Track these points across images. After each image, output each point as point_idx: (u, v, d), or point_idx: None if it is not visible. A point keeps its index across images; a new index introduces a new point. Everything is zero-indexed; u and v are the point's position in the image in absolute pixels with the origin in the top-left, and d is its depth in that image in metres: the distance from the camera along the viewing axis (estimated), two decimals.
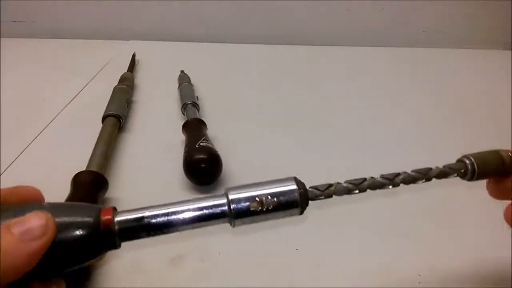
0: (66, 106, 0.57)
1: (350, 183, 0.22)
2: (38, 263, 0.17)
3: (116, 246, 0.21)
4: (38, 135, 0.51)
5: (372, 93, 0.61)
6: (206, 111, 0.56)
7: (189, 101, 0.52)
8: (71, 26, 0.82)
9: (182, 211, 0.21)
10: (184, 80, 0.60)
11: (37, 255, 0.16)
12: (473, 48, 0.77)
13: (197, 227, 0.21)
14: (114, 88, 0.55)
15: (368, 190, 0.23)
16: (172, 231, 0.21)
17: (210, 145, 0.42)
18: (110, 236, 0.20)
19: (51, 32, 0.82)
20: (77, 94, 0.60)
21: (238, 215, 0.21)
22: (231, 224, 0.21)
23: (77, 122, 0.53)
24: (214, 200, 0.21)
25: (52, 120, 0.54)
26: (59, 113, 0.55)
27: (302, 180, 0.22)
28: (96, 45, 0.79)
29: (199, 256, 0.34)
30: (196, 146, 0.41)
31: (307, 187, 0.22)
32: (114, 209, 0.21)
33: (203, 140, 0.42)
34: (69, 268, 0.20)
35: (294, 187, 0.21)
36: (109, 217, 0.20)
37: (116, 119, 0.49)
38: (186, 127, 0.47)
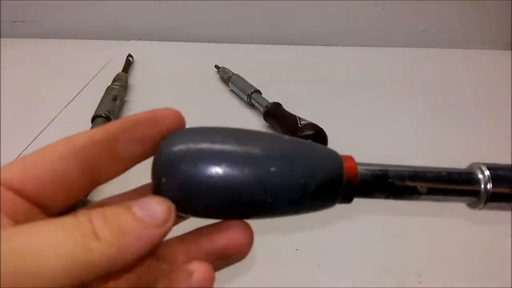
0: (66, 106, 0.57)
1: None
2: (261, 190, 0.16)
3: (351, 200, 0.18)
4: (38, 135, 0.51)
5: (371, 93, 0.61)
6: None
7: (252, 90, 0.55)
8: (71, 26, 0.82)
9: (431, 179, 0.18)
10: (228, 73, 0.61)
11: (154, 243, 0.15)
12: (473, 48, 0.76)
13: (438, 200, 0.18)
14: (106, 88, 0.56)
15: None
16: (412, 199, 0.18)
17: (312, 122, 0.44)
18: (350, 188, 0.17)
19: (51, 32, 0.82)
20: (77, 94, 0.60)
21: (493, 198, 0.18)
22: (474, 207, 0.18)
23: (77, 122, 0.53)
24: (466, 174, 0.18)
25: (52, 120, 0.54)
26: (59, 113, 0.56)
27: None
28: (96, 45, 0.79)
29: None
30: (300, 125, 0.44)
31: None
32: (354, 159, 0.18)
33: (301, 119, 0.45)
34: (305, 210, 0.18)
35: None
36: (353, 166, 0.18)
37: (106, 120, 0.49)
38: (271, 112, 0.49)
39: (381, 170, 0.18)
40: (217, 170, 0.15)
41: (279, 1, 0.76)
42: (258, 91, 0.55)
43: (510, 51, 0.75)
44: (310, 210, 0.18)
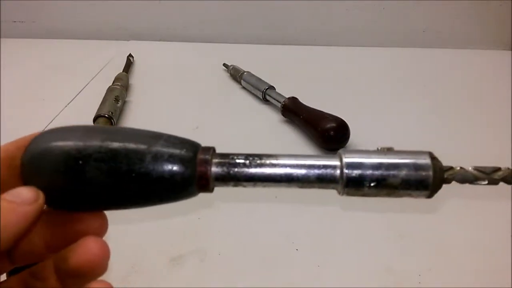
0: (66, 106, 0.57)
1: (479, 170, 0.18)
2: (123, 191, 0.18)
3: (210, 189, 0.19)
4: None
5: (371, 93, 0.61)
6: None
7: (266, 86, 0.56)
8: (72, 26, 0.82)
9: (289, 166, 0.18)
10: (240, 71, 0.62)
11: (30, 218, 0.17)
12: (473, 48, 0.76)
13: (299, 186, 0.19)
14: (107, 89, 0.56)
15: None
16: (271, 186, 0.19)
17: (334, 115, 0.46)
18: (204, 177, 0.18)
19: (51, 32, 0.82)
20: (77, 94, 0.60)
21: (350, 183, 0.18)
22: (339, 193, 0.19)
23: (77, 121, 0.53)
24: (325, 160, 0.18)
25: (52, 120, 0.54)
26: (59, 113, 0.56)
27: None
28: (96, 45, 0.79)
29: (199, 257, 0.34)
30: (322, 117, 0.45)
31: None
32: (214, 149, 0.19)
33: (320, 112, 0.47)
34: (155, 202, 0.19)
35: (428, 162, 0.18)
36: (207, 156, 0.18)
37: (107, 120, 0.49)
38: (290, 106, 0.50)
39: (239, 159, 0.19)
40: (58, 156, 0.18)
41: (279, 1, 0.76)
42: (272, 87, 0.56)
43: (510, 51, 0.75)
44: (172, 198, 0.19)
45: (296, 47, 0.78)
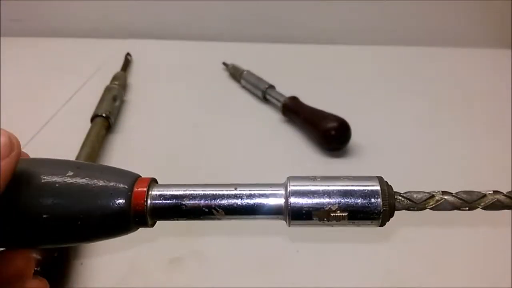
0: (64, 105, 0.57)
1: (460, 198, 0.17)
2: (48, 226, 0.17)
3: (147, 224, 0.18)
4: (36, 134, 0.50)
5: (372, 92, 0.61)
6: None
7: (266, 86, 0.55)
8: (69, 25, 0.81)
9: (227, 196, 0.17)
10: (239, 70, 0.61)
11: (6, 173, 0.16)
12: (473, 47, 0.76)
13: (244, 219, 0.18)
14: (105, 88, 0.55)
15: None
16: (213, 219, 0.17)
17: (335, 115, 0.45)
18: (140, 212, 0.17)
19: (48, 31, 0.81)
20: (75, 93, 0.60)
21: (296, 216, 0.17)
22: (286, 223, 0.18)
23: (74, 120, 0.53)
24: (270, 190, 0.17)
25: (50, 119, 0.53)
26: (56, 112, 0.55)
27: None
28: (94, 43, 0.78)
29: (198, 258, 0.34)
30: (323, 116, 0.45)
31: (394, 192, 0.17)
32: (154, 181, 0.18)
33: (321, 111, 0.46)
34: (88, 240, 0.18)
35: (377, 188, 0.17)
36: (144, 189, 0.17)
37: (104, 119, 0.48)
38: (290, 106, 0.50)
39: (177, 191, 0.17)
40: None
41: (278, 0, 0.76)
42: (272, 86, 0.56)
43: (510, 50, 0.75)
44: (106, 234, 0.18)
45: (296, 45, 0.78)
